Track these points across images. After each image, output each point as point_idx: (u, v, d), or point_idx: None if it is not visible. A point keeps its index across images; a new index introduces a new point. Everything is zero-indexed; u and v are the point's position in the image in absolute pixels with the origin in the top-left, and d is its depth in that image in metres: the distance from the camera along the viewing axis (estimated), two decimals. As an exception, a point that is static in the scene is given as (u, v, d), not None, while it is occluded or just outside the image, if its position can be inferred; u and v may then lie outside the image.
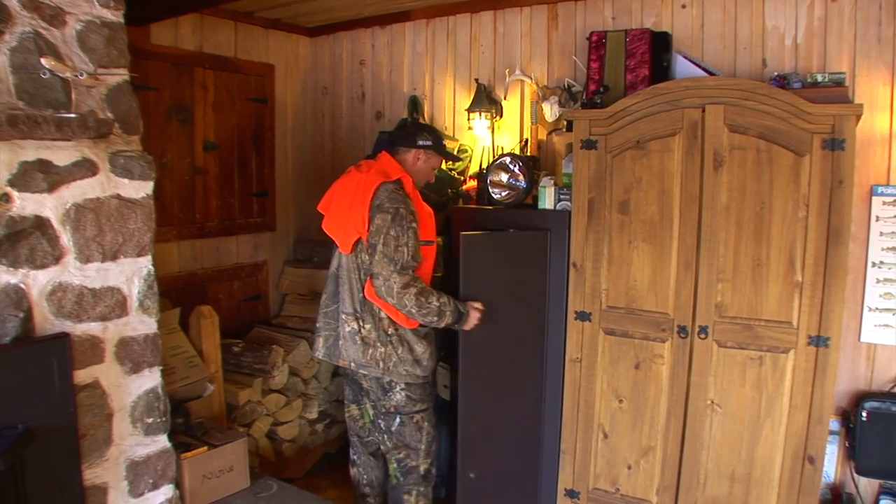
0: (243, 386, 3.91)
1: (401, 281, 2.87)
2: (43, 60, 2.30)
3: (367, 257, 3.01)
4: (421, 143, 3.18)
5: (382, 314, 3.02)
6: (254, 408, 3.94)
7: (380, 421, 3.18)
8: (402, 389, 3.07)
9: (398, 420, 3.11)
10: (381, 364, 3.03)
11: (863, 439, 3.02)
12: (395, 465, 3.18)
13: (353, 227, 3.01)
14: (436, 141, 3.23)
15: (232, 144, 4.45)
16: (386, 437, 3.17)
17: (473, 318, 3.05)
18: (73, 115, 2.34)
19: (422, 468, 3.16)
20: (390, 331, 3.03)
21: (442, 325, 2.97)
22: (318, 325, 3.26)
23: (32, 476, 2.33)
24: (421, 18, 4.36)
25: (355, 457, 3.37)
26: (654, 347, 3.07)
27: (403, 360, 3.03)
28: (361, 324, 3.06)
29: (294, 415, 4.17)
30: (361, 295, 3.04)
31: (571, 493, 3.33)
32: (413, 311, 2.90)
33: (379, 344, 3.03)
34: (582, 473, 3.30)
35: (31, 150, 2.29)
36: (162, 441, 2.85)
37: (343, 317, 3.11)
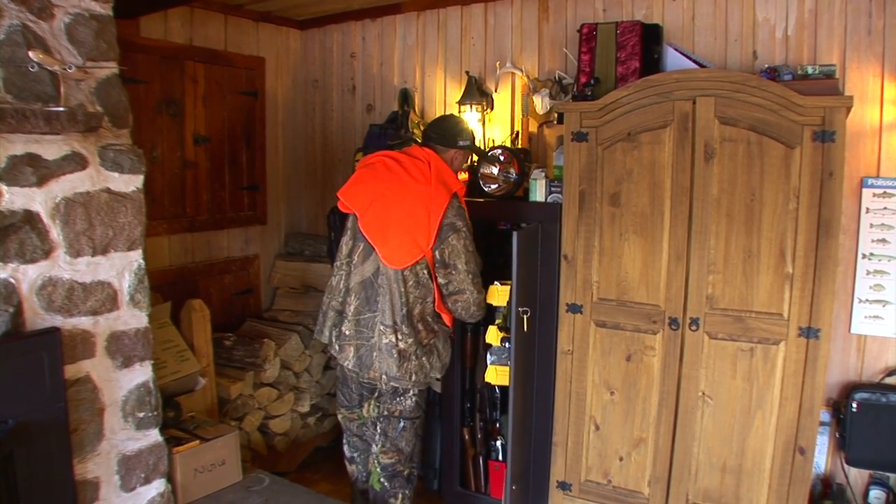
0: (235, 380, 3.90)
1: (480, 296, 3.04)
2: (31, 54, 2.28)
3: (424, 272, 2.96)
4: (461, 143, 3.17)
5: (420, 325, 2.99)
6: (245, 401, 3.93)
7: (379, 424, 3.10)
8: (413, 395, 3.05)
9: (402, 425, 3.06)
10: (414, 376, 2.98)
11: (853, 430, 3.03)
12: (379, 469, 3.11)
13: (416, 243, 2.92)
14: (472, 141, 3.25)
15: (222, 138, 4.43)
16: (381, 440, 3.09)
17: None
18: (61, 109, 2.32)
19: (406, 472, 3.13)
20: (426, 341, 3.01)
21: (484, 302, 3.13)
22: (346, 332, 3.06)
23: (23, 471, 2.32)
24: (411, 11, 4.35)
25: (354, 454, 3.30)
26: (645, 339, 3.08)
27: (434, 366, 3.06)
28: (400, 337, 2.94)
29: (286, 408, 4.17)
30: (405, 309, 2.93)
31: (563, 485, 3.34)
32: (482, 313, 3.10)
33: (414, 357, 2.96)
34: (574, 465, 3.31)
35: (20, 144, 2.28)
36: (153, 435, 2.85)
37: (381, 328, 2.96)
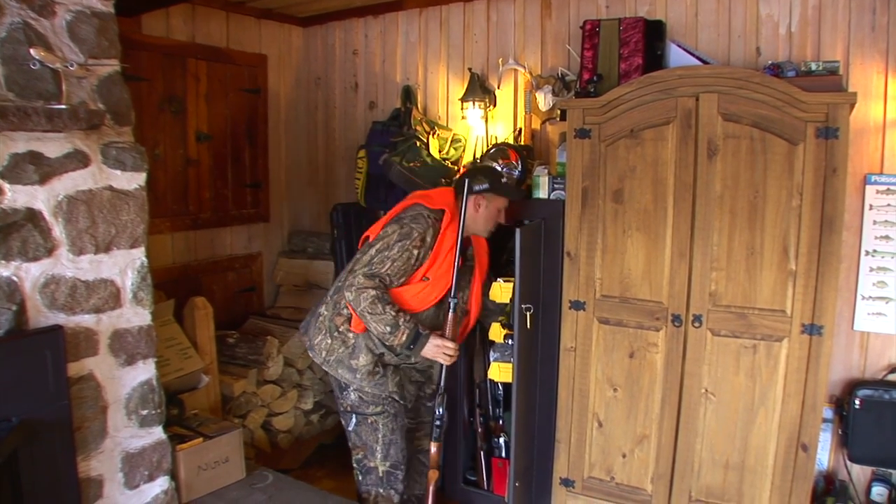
0: (238, 377, 3.91)
1: (364, 282, 2.80)
2: (32, 51, 2.29)
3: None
4: (477, 188, 3.02)
5: (346, 311, 2.96)
6: (249, 399, 3.94)
7: (341, 419, 3.18)
8: (354, 390, 3.03)
9: (354, 419, 3.07)
10: (324, 354, 3.00)
11: (856, 427, 3.03)
12: (355, 464, 3.15)
13: (373, 231, 3.02)
14: (493, 182, 3.07)
15: (225, 135, 4.43)
16: (347, 435, 3.16)
17: (431, 347, 2.91)
18: (63, 107, 2.33)
19: (380, 469, 3.09)
20: (342, 328, 2.98)
21: (396, 340, 2.84)
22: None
23: (27, 469, 2.33)
24: (413, 7, 4.34)
25: None
26: (648, 336, 3.08)
27: (341, 360, 2.98)
28: (325, 308, 3.05)
29: (289, 405, 4.17)
30: (338, 284, 3.03)
31: (566, 482, 3.34)
32: (366, 313, 2.80)
33: (328, 334, 3.00)
34: (577, 462, 3.31)
35: (22, 142, 2.28)
36: (157, 433, 2.86)
37: (323, 298, 3.14)
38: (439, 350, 2.93)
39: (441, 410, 3.05)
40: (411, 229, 2.88)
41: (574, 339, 3.24)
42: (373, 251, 2.87)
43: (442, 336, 2.95)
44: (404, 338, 2.85)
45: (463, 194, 2.96)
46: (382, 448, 3.07)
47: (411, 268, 2.91)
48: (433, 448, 3.09)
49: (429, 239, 2.91)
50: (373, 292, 2.79)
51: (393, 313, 2.81)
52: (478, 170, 3.22)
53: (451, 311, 2.96)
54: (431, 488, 3.10)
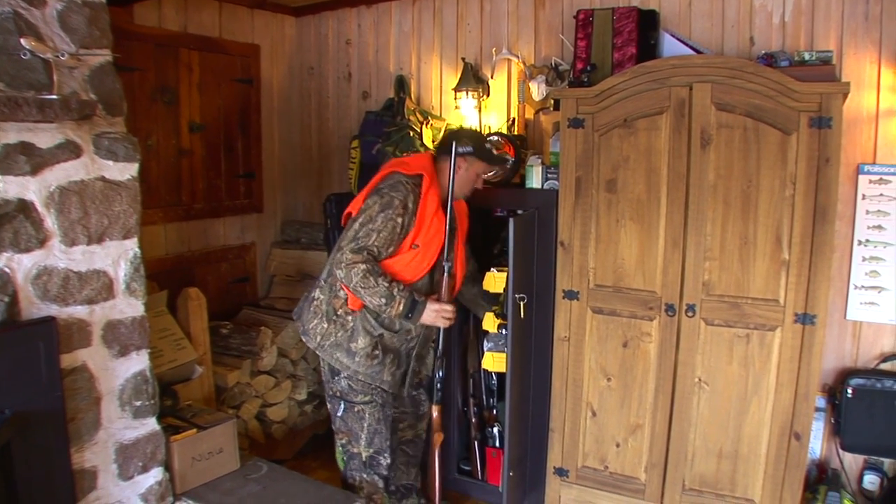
0: (232, 368, 3.90)
1: (352, 257, 2.81)
2: (23, 41, 2.27)
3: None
4: (461, 150, 3.01)
5: (342, 293, 2.98)
6: (242, 389, 3.93)
7: (327, 404, 3.21)
8: (345, 378, 3.05)
9: (342, 406, 3.10)
10: (319, 339, 3.02)
11: (848, 416, 3.05)
12: (339, 448, 3.19)
13: (355, 206, 3.00)
14: (477, 146, 3.07)
15: (218, 126, 4.41)
16: (333, 419, 3.19)
17: (430, 313, 2.94)
18: (55, 97, 2.32)
19: (364, 455, 3.13)
20: (340, 311, 2.99)
21: (393, 311, 2.85)
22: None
23: (21, 461, 2.33)
24: (407, -3, 4.34)
25: None
26: (641, 326, 3.09)
27: (339, 344, 2.99)
28: (319, 293, 3.05)
29: (283, 396, 4.17)
30: (330, 266, 3.04)
31: (560, 472, 3.35)
32: (359, 288, 2.80)
33: (325, 319, 3.01)
34: (571, 451, 3.32)
35: (13, 133, 2.27)
36: (151, 424, 2.85)
37: (316, 282, 3.13)
38: (438, 314, 2.96)
39: (441, 374, 3.13)
40: (392, 198, 2.87)
41: (568, 328, 3.25)
42: (356, 225, 2.87)
43: (438, 300, 2.98)
44: (401, 307, 2.86)
45: (450, 156, 2.97)
46: (367, 436, 3.11)
47: (398, 237, 2.91)
48: (435, 412, 3.22)
49: (410, 205, 2.91)
50: (363, 266, 2.80)
51: (386, 284, 2.82)
52: (464, 133, 3.25)
53: (445, 274, 2.99)
54: (437, 451, 3.18)
